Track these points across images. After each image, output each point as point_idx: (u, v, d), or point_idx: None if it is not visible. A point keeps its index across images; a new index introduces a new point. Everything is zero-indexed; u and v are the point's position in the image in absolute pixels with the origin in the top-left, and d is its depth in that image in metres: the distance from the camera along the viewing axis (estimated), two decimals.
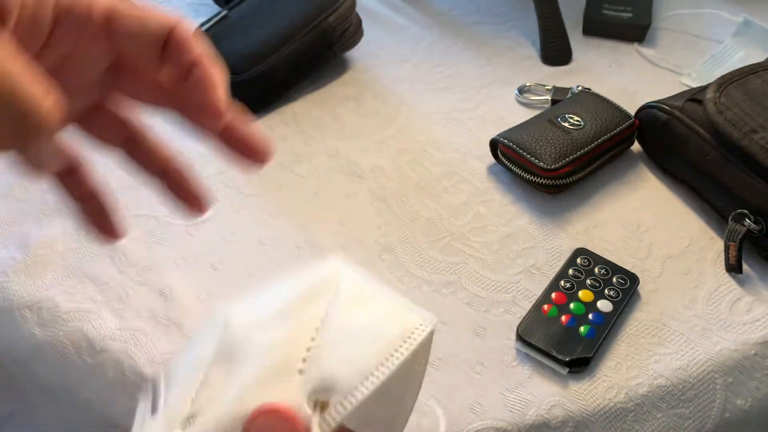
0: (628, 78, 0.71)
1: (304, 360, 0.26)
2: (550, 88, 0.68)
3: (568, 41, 0.74)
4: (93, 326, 0.48)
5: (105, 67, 0.28)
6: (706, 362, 0.45)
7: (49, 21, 0.25)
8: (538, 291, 0.50)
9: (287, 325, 0.27)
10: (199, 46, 0.27)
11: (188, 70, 0.27)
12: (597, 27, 0.77)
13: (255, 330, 0.28)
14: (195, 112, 0.27)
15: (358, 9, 0.72)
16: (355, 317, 0.28)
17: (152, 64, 0.27)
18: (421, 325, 0.28)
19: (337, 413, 0.25)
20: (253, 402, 0.25)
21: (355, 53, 0.74)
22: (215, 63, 0.27)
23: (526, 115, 0.65)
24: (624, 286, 0.49)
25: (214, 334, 0.29)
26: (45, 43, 0.25)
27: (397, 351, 0.27)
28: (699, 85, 0.63)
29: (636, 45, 0.76)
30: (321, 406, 0.25)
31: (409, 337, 0.27)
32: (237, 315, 0.29)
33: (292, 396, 0.25)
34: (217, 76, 0.27)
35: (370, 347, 0.27)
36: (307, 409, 0.25)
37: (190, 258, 0.53)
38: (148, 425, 0.27)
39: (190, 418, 0.26)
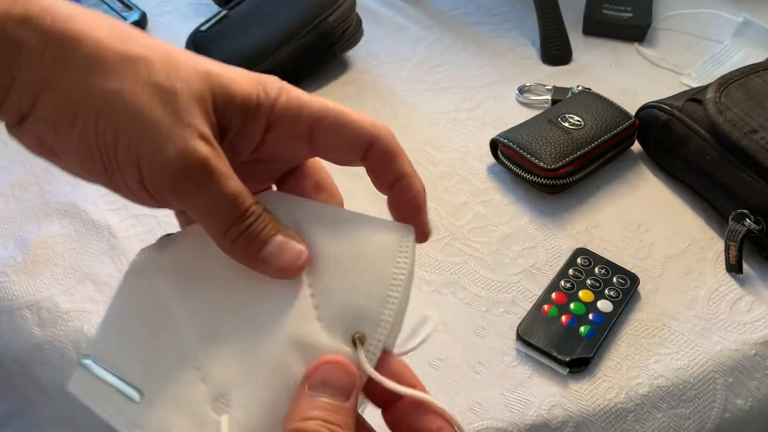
0: (628, 78, 0.71)
1: (316, 307, 0.28)
2: (550, 88, 0.68)
3: (568, 41, 0.74)
4: (93, 326, 0.48)
5: (305, 159, 0.33)
6: (706, 362, 0.45)
7: (262, 131, 0.30)
8: (538, 291, 0.50)
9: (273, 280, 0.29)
10: (401, 158, 0.32)
11: (392, 183, 0.32)
12: (597, 27, 0.77)
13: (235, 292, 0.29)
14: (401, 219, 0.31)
15: (358, 9, 0.72)
16: (336, 244, 0.29)
17: (355, 163, 0.33)
18: (403, 235, 0.29)
19: (377, 344, 0.27)
20: (294, 365, 0.27)
21: (355, 53, 0.74)
22: (416, 178, 0.32)
23: (526, 115, 0.65)
24: (624, 286, 0.49)
25: (152, 289, 0.29)
26: (255, 147, 0.30)
27: (397, 267, 0.28)
28: (699, 85, 0.63)
29: (636, 45, 0.76)
30: (359, 340, 0.27)
31: (400, 251, 0.29)
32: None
33: (328, 344, 0.27)
34: (421, 195, 0.32)
35: (372, 269, 0.28)
36: (347, 350, 0.27)
37: None
38: (154, 417, 0.26)
39: (219, 398, 0.26)
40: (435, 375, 0.45)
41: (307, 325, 0.27)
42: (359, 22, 0.72)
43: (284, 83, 0.31)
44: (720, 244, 0.53)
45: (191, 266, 0.30)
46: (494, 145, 0.59)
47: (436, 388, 0.44)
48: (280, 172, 0.33)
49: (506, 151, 0.58)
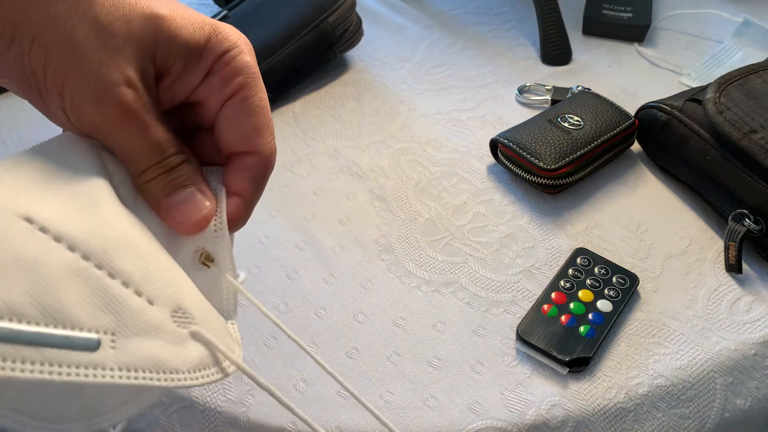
0: (628, 78, 0.71)
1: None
2: (550, 88, 0.68)
3: (568, 41, 0.74)
4: None
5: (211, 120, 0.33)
6: (706, 362, 0.45)
7: (202, 76, 0.30)
8: (538, 291, 0.50)
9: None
10: (259, 184, 0.33)
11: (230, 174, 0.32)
12: (597, 27, 0.77)
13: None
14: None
15: (358, 9, 0.72)
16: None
17: (221, 145, 0.33)
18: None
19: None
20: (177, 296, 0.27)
21: (355, 53, 0.74)
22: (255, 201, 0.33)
23: (526, 115, 0.65)
24: (624, 286, 0.49)
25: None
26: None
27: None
28: (699, 85, 0.63)
29: (636, 45, 0.76)
30: (207, 258, 0.30)
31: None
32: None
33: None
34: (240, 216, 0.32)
35: None
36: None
37: None
38: (129, 355, 0.23)
39: (174, 314, 0.26)
40: (435, 375, 0.45)
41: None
42: (359, 22, 0.72)
43: (244, 40, 0.31)
44: (719, 244, 0.53)
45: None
46: (494, 145, 0.59)
47: (436, 387, 0.44)
48: (199, 122, 0.33)
49: (506, 151, 0.58)
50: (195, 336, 0.26)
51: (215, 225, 0.30)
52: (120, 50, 0.26)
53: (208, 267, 0.29)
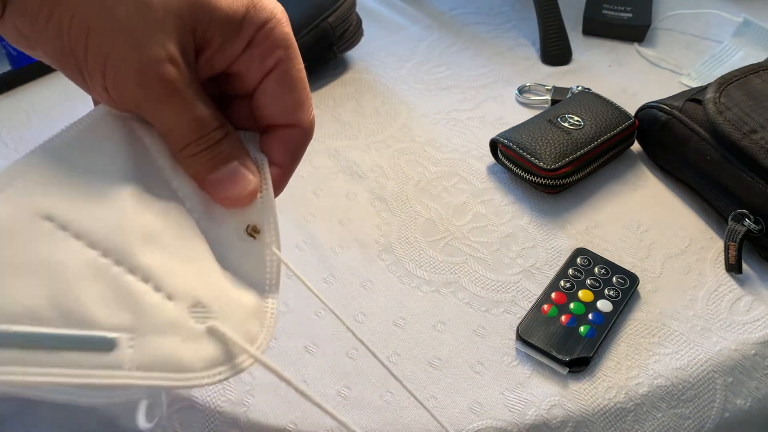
0: (628, 78, 0.71)
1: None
2: (550, 88, 0.68)
3: (568, 41, 0.74)
4: None
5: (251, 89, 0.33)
6: (706, 362, 0.45)
7: (242, 47, 0.29)
8: (538, 291, 0.50)
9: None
10: (298, 151, 0.32)
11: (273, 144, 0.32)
12: (597, 27, 0.77)
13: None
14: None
15: (358, 9, 0.72)
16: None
17: (262, 118, 0.32)
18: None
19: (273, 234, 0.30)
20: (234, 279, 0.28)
21: (355, 53, 0.74)
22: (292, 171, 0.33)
23: (526, 115, 0.65)
24: (624, 286, 0.49)
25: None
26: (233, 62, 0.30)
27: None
28: (699, 85, 0.63)
29: (636, 45, 0.76)
30: (254, 230, 0.30)
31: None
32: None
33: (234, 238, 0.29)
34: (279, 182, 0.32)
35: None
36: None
37: None
38: (144, 353, 0.23)
39: (192, 309, 0.26)
40: (435, 375, 0.45)
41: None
42: (359, 22, 0.72)
43: (280, 9, 0.30)
44: (719, 244, 0.53)
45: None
46: (494, 145, 0.59)
47: (436, 387, 0.44)
48: (236, 90, 0.33)
49: (506, 151, 0.58)
50: (211, 331, 0.26)
51: (261, 196, 0.30)
52: (161, 25, 0.26)
53: (254, 238, 0.29)
